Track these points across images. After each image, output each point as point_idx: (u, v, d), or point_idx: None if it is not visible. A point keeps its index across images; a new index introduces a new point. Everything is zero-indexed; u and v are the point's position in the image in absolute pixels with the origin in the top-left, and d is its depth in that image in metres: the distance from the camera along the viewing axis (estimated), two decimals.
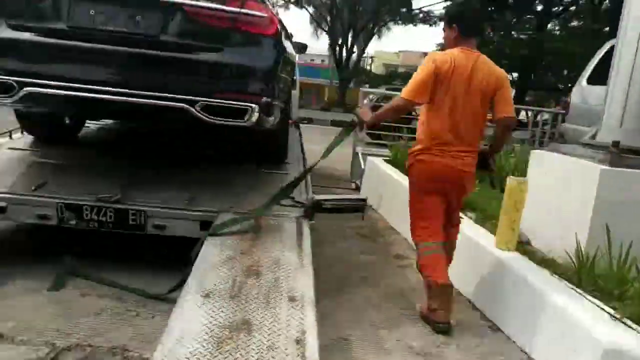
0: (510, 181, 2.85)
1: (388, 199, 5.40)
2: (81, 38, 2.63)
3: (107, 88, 2.60)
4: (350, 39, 30.82)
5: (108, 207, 2.66)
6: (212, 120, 2.73)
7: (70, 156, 3.43)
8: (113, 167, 3.28)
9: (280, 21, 3.25)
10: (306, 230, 2.57)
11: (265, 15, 2.81)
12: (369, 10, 27.77)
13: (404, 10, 28.89)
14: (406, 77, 30.21)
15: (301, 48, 6.14)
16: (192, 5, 2.66)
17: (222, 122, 2.77)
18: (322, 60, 47.90)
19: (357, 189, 7.11)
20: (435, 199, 2.66)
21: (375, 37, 34.35)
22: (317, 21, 32.13)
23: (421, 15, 30.21)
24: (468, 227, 3.38)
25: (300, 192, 3.14)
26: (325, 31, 31.52)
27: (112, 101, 2.63)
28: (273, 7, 3.34)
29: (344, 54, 30.79)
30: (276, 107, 3.17)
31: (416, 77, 2.59)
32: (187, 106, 2.66)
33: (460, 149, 2.58)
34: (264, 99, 2.84)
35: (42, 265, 2.79)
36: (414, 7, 30.07)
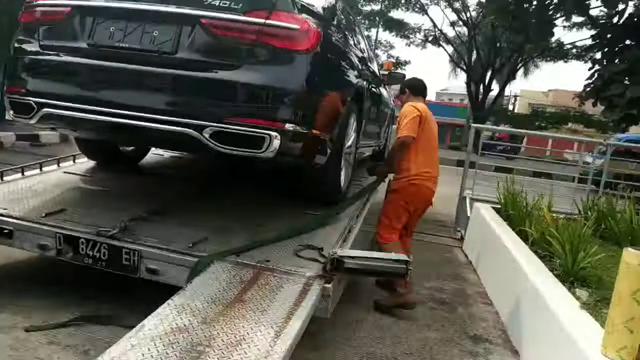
0: (628, 254, 1.87)
1: (488, 258, 4.40)
2: (96, 56, 2.43)
3: (113, 110, 2.34)
4: (488, 77, 29.09)
5: (103, 243, 2.36)
6: (223, 149, 2.30)
7: (112, 183, 3.29)
8: (142, 197, 3.03)
9: (329, 39, 2.73)
10: (311, 299, 1.92)
11: (296, 27, 2.32)
12: (510, 47, 25.89)
13: (553, 45, 26.38)
14: (553, 117, 27.43)
15: (400, 79, 5.59)
16: (210, 18, 2.29)
17: (236, 151, 2.32)
18: (461, 100, 46.16)
19: (461, 239, 6.12)
20: (406, 213, 3.45)
21: (521, 76, 32.03)
22: (454, 61, 31.08)
23: (574, 50, 27.39)
24: (568, 314, 2.39)
25: (336, 244, 2.51)
26: (463, 70, 30.25)
27: (120, 124, 2.36)
28: (331, 21, 2.82)
29: (482, 92, 29.08)
30: (316, 139, 2.63)
31: (408, 120, 3.32)
32: (195, 132, 2.27)
33: (435, 175, 3.49)
34: (289, 126, 2.32)
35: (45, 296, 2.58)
36: (565, 41, 27.41)
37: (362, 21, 29.97)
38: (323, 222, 2.76)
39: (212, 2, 2.29)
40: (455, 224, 6.53)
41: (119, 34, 2.41)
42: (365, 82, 3.56)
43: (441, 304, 3.55)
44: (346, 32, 3.39)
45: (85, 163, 3.74)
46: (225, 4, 2.28)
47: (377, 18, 28.96)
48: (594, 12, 10.53)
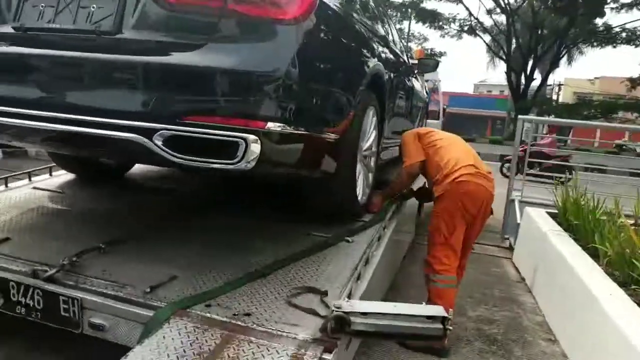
0: None
1: (546, 277, 3.61)
2: (20, 43, 1.86)
3: (40, 112, 1.75)
4: (529, 66, 27.54)
5: (36, 288, 1.78)
6: (182, 161, 1.67)
7: (82, 201, 2.75)
8: (111, 219, 2.46)
9: (333, 7, 2.07)
10: None
11: None
12: (553, 33, 24.34)
13: (600, 29, 24.64)
14: (602, 106, 25.63)
15: (432, 66, 4.85)
16: None
17: (199, 163, 1.68)
18: (501, 91, 44.25)
19: (510, 248, 5.30)
20: (463, 221, 2.73)
21: (565, 63, 30.19)
22: (492, 50, 29.61)
23: (624, 34, 25.49)
24: None
25: (346, 285, 1.84)
26: (502, 59, 28.76)
27: (46, 130, 1.78)
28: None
29: (522, 82, 27.57)
30: (318, 141, 1.98)
31: (409, 146, 3.00)
32: (142, 138, 1.65)
33: (484, 170, 2.84)
34: (274, 125, 1.67)
35: None
36: (614, 25, 25.57)
37: (394, 14, 29.02)
38: (328, 244, 2.11)
39: None
40: (503, 231, 5.71)
41: (49, 12, 1.83)
42: (387, 68, 2.87)
43: (492, 343, 2.81)
44: (358, 1, 2.71)
45: (62, 176, 3.22)
46: None
47: (409, 10, 27.93)
48: None
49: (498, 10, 27.09)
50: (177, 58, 1.65)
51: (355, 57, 2.32)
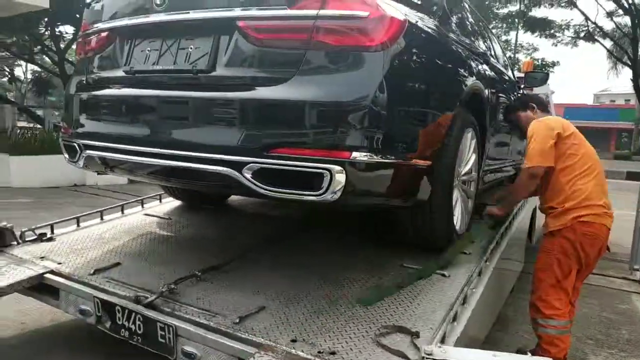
0: None
1: None
2: (130, 85, 2.03)
3: (149, 149, 1.89)
4: None
5: (137, 313, 1.89)
6: (271, 193, 1.68)
7: (187, 228, 2.91)
8: (211, 245, 2.57)
9: (423, 28, 1.98)
10: None
11: (364, 14, 1.63)
12: None
13: None
14: None
15: (541, 80, 4.48)
16: (248, 18, 1.72)
17: (286, 195, 1.68)
18: (627, 100, 39.94)
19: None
20: (577, 264, 2.49)
21: None
22: (615, 56, 26.87)
23: None
24: None
25: (440, 326, 1.70)
26: (627, 65, 25.94)
27: (153, 165, 1.91)
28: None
29: None
30: (408, 169, 1.88)
31: (539, 142, 2.50)
32: (232, 171, 1.69)
33: (611, 209, 2.54)
34: (359, 155, 1.62)
35: None
36: None
37: (499, 25, 27.72)
38: (419, 277, 1.98)
39: None
40: (632, 261, 5.02)
41: (154, 55, 1.97)
42: (487, 86, 2.68)
43: None
44: (455, 20, 2.58)
45: (170, 203, 3.46)
46: None
47: (516, 20, 26.50)
48: None
49: (620, 12, 24.59)
50: (264, 92, 1.68)
51: (449, 77, 2.19)
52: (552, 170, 2.49)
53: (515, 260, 3.56)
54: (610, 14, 25.32)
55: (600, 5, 27.57)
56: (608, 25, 26.25)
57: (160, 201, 3.48)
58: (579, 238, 2.44)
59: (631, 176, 11.48)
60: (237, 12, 1.75)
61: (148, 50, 2.00)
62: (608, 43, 26.65)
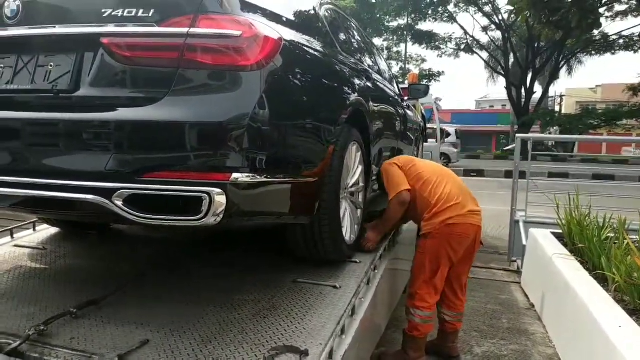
0: None
1: (555, 303, 3.45)
2: None
3: (3, 178, 1.68)
4: (529, 79, 27.58)
5: None
6: (146, 220, 1.58)
7: (63, 259, 2.66)
8: (89, 278, 2.37)
9: (301, 46, 2.01)
10: None
11: (237, 33, 1.61)
12: (550, 45, 24.42)
13: (597, 38, 24.70)
14: (606, 114, 25.53)
15: (423, 92, 4.81)
16: (112, 35, 1.62)
17: (163, 221, 1.60)
18: (503, 105, 44.27)
19: (518, 271, 5.13)
20: (449, 263, 2.76)
21: (565, 74, 30.22)
22: (491, 66, 29.76)
23: (621, 41, 25.58)
24: None
25: (329, 342, 1.71)
26: (501, 74, 28.86)
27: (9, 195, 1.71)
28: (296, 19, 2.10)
29: (523, 96, 27.57)
30: (293, 186, 1.89)
31: (392, 176, 2.89)
32: (100, 199, 1.57)
33: (476, 209, 2.84)
34: (240, 176, 1.58)
35: None
36: (611, 33, 25.66)
37: (390, 37, 29.37)
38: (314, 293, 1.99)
39: (114, 14, 1.62)
40: (510, 253, 5.54)
41: (8, 73, 1.78)
42: (370, 101, 2.79)
43: None
44: (338, 38, 2.66)
45: (47, 230, 3.14)
46: (131, 13, 1.60)
47: (405, 32, 28.28)
48: None
49: (493, 26, 27.35)
50: (133, 113, 1.58)
51: (331, 95, 2.25)
52: (413, 193, 2.80)
53: (406, 259, 3.73)
54: (485, 29, 28.06)
55: (476, 21, 30.27)
56: (484, 38, 28.98)
57: (34, 229, 3.15)
58: (447, 239, 2.71)
59: (509, 174, 12.73)
60: (101, 28, 1.63)
61: (1, 68, 1.80)
62: (485, 54, 29.45)
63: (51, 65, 1.72)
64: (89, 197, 1.57)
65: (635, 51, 25.24)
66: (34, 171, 1.66)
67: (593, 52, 27.36)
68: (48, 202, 1.66)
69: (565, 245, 3.90)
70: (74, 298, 2.04)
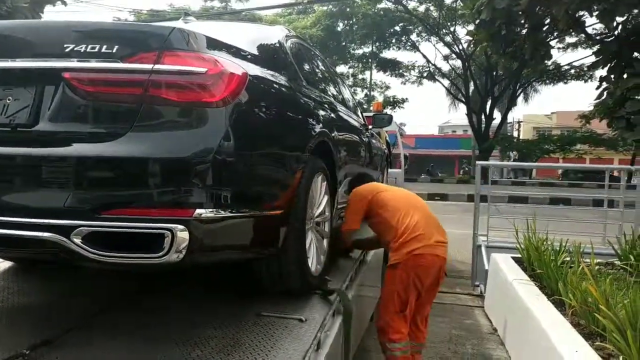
0: None
1: (516, 328, 3.53)
2: None
3: None
4: (488, 106, 28.67)
5: None
6: (105, 259, 1.55)
7: (16, 295, 2.54)
8: (43, 316, 2.27)
9: (267, 82, 2.04)
10: None
11: (202, 70, 1.63)
12: (507, 74, 25.55)
13: (550, 68, 26.04)
14: (560, 140, 26.77)
15: (387, 120, 4.93)
16: (75, 70, 1.61)
17: (124, 260, 1.57)
18: (465, 131, 45.69)
19: (481, 296, 5.23)
20: (415, 292, 2.80)
21: (522, 101, 31.60)
22: (452, 93, 30.80)
23: (572, 71, 27.08)
24: None
25: None
26: (462, 101, 29.88)
27: None
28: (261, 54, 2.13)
29: (483, 122, 28.57)
30: (257, 219, 1.89)
31: (351, 209, 3.05)
32: (58, 236, 1.52)
33: (443, 240, 2.89)
34: (203, 212, 1.58)
35: None
36: (563, 63, 27.14)
37: (355, 64, 30.04)
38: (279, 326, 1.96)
39: (77, 49, 1.61)
40: (473, 277, 5.66)
41: None
42: (335, 131, 2.84)
43: None
44: (303, 72, 2.71)
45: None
46: (95, 48, 1.60)
47: (369, 60, 29.01)
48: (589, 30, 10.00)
49: (454, 55, 28.43)
50: (94, 149, 1.56)
51: (296, 128, 2.28)
52: (380, 222, 2.93)
53: (371, 285, 3.74)
54: (446, 57, 29.14)
55: (438, 50, 31.32)
56: (446, 66, 30.04)
57: None
58: (414, 270, 2.76)
59: (471, 198, 13.08)
60: (63, 62, 1.61)
61: None
62: (447, 82, 30.49)
63: (9, 99, 1.68)
64: (46, 234, 1.52)
65: (585, 81, 26.76)
66: None
67: (547, 81, 28.81)
68: (4, 239, 1.59)
69: (525, 269, 4.02)
70: (27, 338, 1.95)
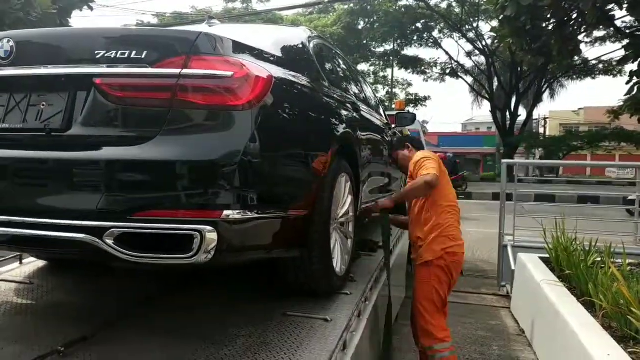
0: None
1: (545, 330, 3.46)
2: None
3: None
4: (513, 102, 28.12)
5: None
6: (137, 259, 1.59)
7: (48, 294, 2.62)
8: (79, 313, 2.34)
9: (292, 84, 2.06)
10: None
11: (228, 74, 1.65)
12: (531, 70, 25.01)
13: (578, 63, 25.36)
14: (589, 136, 26.09)
15: (410, 119, 4.89)
16: (105, 76, 1.65)
17: (155, 260, 1.60)
18: (489, 128, 44.97)
19: (508, 296, 5.15)
20: (449, 289, 2.86)
21: (548, 97, 30.88)
22: (475, 90, 30.31)
23: (601, 65, 26.32)
24: None
25: None
26: (486, 98, 29.39)
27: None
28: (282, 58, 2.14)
29: (508, 119, 28.04)
30: (284, 220, 1.91)
31: (431, 162, 2.85)
32: (91, 238, 1.57)
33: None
34: (231, 213, 1.60)
35: None
36: (590, 57, 26.41)
37: (376, 62, 29.86)
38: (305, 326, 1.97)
39: (108, 55, 1.65)
40: (499, 278, 5.57)
41: (0, 112, 1.79)
42: (358, 131, 2.84)
43: None
44: (326, 73, 2.72)
45: (34, 263, 3.10)
46: (124, 54, 1.64)
47: (391, 58, 28.78)
48: (618, 23, 9.71)
49: (477, 52, 27.97)
50: (125, 152, 1.60)
51: (320, 129, 2.29)
52: (429, 197, 2.85)
53: (398, 286, 3.73)
54: (469, 54, 28.66)
55: (461, 46, 30.94)
56: (469, 63, 29.57)
57: (21, 262, 3.10)
58: (449, 267, 2.79)
59: (496, 197, 12.86)
60: (94, 68, 1.66)
61: None
62: (470, 79, 30.00)
63: (43, 105, 1.74)
64: (80, 235, 1.57)
65: (614, 76, 25.98)
66: (24, 210, 1.66)
67: (574, 77, 28.09)
68: (38, 241, 1.65)
69: (552, 270, 3.94)
70: (62, 335, 2.01)
